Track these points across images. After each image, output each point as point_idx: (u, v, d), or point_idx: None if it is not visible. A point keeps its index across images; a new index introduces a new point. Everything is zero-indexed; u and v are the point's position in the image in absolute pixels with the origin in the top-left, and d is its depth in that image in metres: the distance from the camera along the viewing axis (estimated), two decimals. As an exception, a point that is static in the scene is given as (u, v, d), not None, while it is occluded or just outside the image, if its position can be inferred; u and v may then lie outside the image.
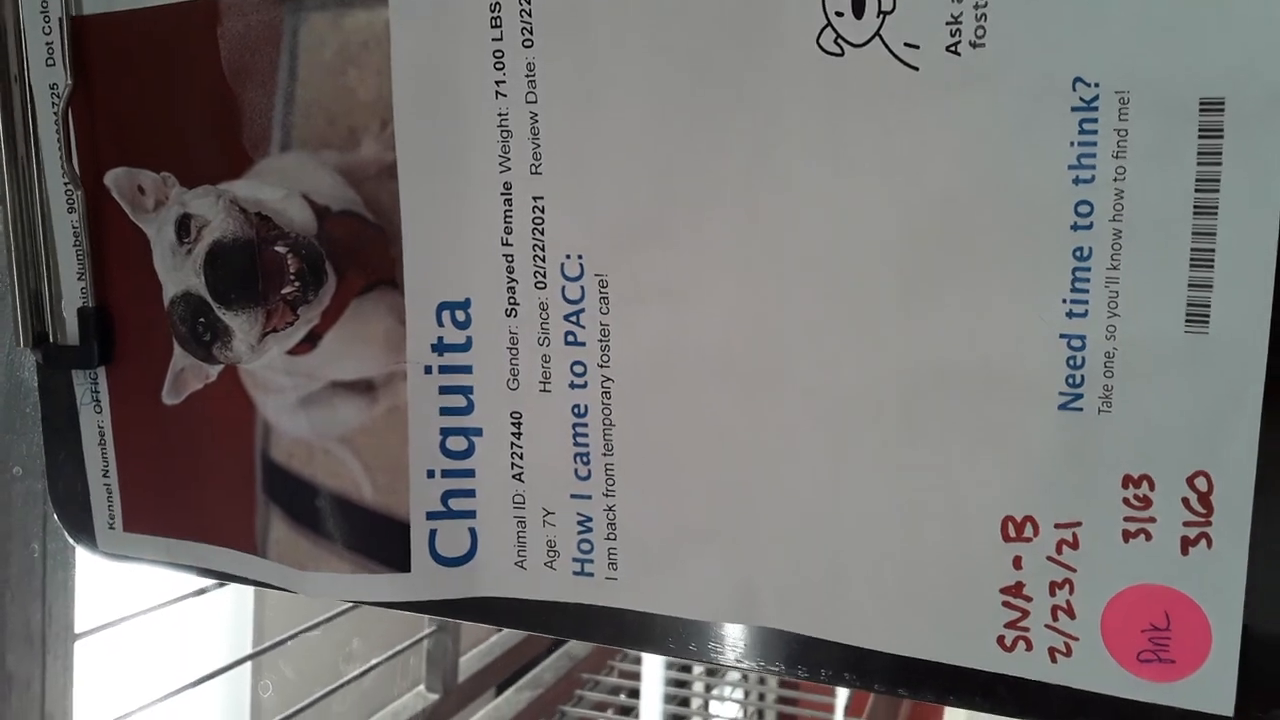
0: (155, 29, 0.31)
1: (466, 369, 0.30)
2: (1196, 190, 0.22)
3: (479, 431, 0.30)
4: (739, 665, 0.29)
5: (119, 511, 0.35)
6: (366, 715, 0.73)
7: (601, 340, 0.28)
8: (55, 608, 0.43)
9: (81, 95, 0.32)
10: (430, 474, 0.30)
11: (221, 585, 0.47)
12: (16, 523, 0.40)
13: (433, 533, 0.31)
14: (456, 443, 0.30)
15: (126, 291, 0.34)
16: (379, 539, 0.31)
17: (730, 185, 0.26)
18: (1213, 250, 0.22)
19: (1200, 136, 0.22)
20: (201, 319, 0.32)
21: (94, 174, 0.33)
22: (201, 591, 0.52)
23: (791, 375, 0.27)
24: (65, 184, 0.33)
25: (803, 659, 0.28)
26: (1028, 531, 0.25)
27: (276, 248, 0.30)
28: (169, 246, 0.32)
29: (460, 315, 0.30)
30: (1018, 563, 0.25)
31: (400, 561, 0.31)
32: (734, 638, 0.29)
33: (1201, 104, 0.22)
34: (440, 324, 0.30)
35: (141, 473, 0.35)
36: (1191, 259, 0.22)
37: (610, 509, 0.29)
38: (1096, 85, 0.22)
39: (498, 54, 0.28)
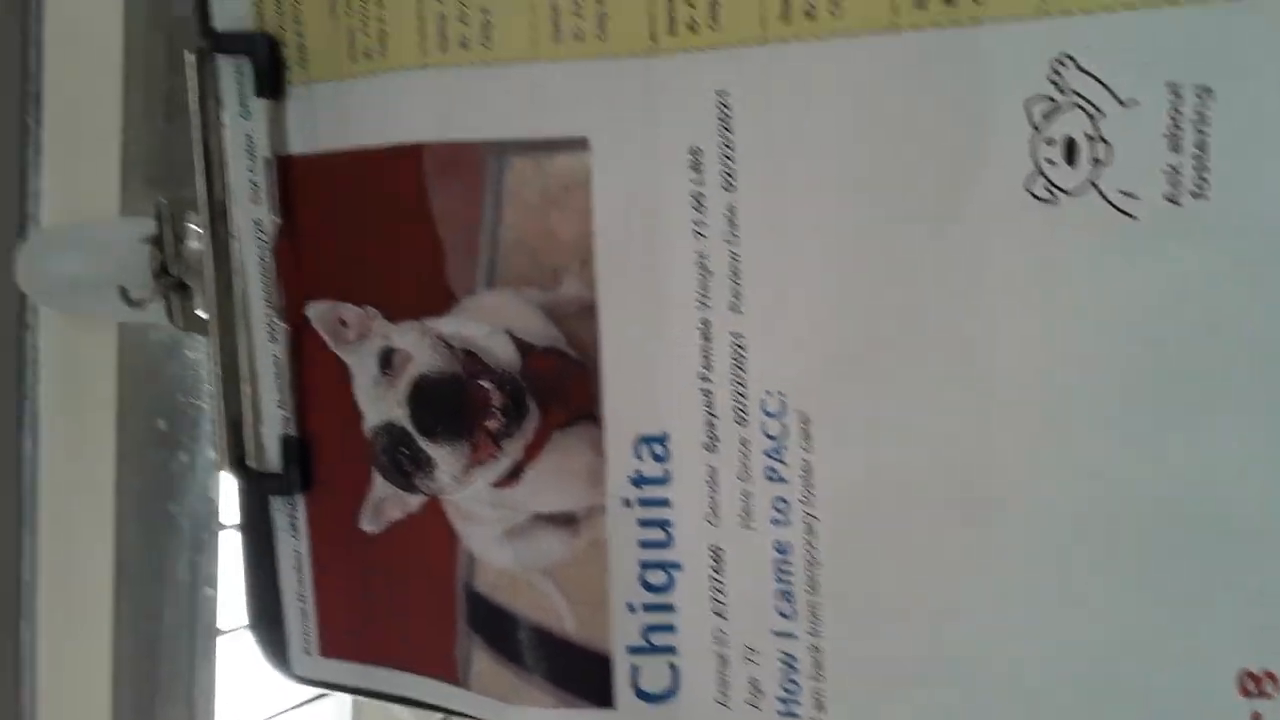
0: (360, 169, 0.35)
1: (665, 502, 0.33)
2: None
3: (678, 565, 0.33)
4: (954, 813, 0.32)
5: (315, 636, 0.40)
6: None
7: (804, 476, 0.31)
8: None
9: (286, 230, 0.37)
10: (631, 608, 0.34)
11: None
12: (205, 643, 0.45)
13: (635, 668, 0.34)
14: (656, 576, 0.34)
15: (327, 420, 0.38)
16: (582, 674, 0.34)
17: (938, 324, 0.29)
18: None
19: None
20: (404, 450, 0.36)
21: (296, 306, 0.38)
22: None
23: (1007, 511, 0.29)
24: (269, 316, 0.38)
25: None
26: (1268, 686, 0.27)
27: (481, 382, 0.34)
28: (371, 378, 0.36)
29: (658, 449, 0.33)
30: (1256, 719, 0.27)
31: (603, 697, 0.34)
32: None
33: None
34: (639, 458, 0.33)
35: (339, 598, 0.39)
36: None
37: (816, 648, 0.32)
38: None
39: (697, 196, 0.31)
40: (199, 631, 0.46)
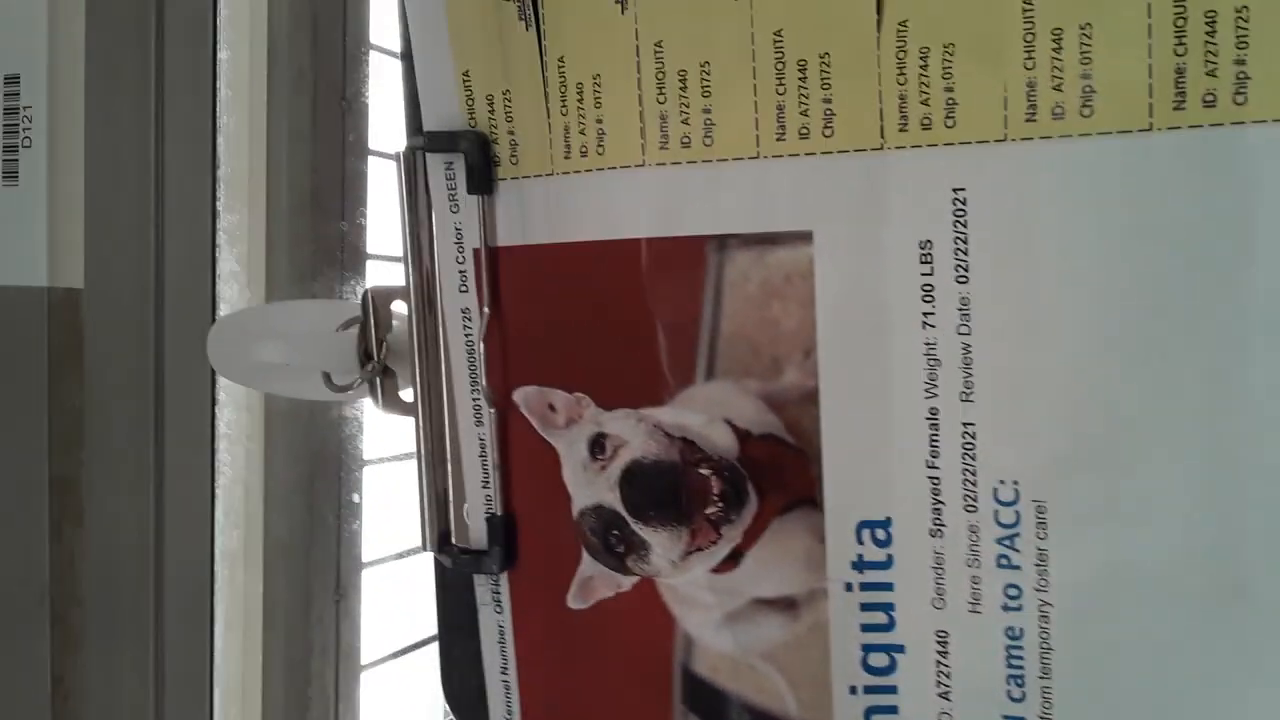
0: (574, 262, 0.36)
1: (888, 586, 0.33)
2: None
3: (901, 648, 0.33)
4: None
5: (517, 710, 0.40)
6: None
7: (1039, 565, 0.31)
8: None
9: (493, 318, 0.38)
10: (853, 690, 0.34)
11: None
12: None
13: (856, 749, 0.34)
14: (878, 659, 0.33)
15: (531, 499, 0.38)
16: (805, 756, 0.34)
17: (1186, 411, 0.29)
18: None
19: None
20: (615, 532, 0.36)
21: (502, 390, 0.38)
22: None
23: (1254, 599, 0.29)
24: (474, 399, 0.38)
25: None
26: None
27: (700, 470, 0.34)
28: (580, 461, 0.37)
29: (881, 534, 0.33)
30: None
31: (827, 779, 0.34)
32: None
33: None
34: (860, 542, 0.33)
35: (542, 672, 0.39)
36: None
37: (1046, 731, 0.32)
38: None
39: (927, 288, 0.31)
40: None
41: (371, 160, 0.56)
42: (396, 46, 0.38)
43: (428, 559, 0.41)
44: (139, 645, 0.50)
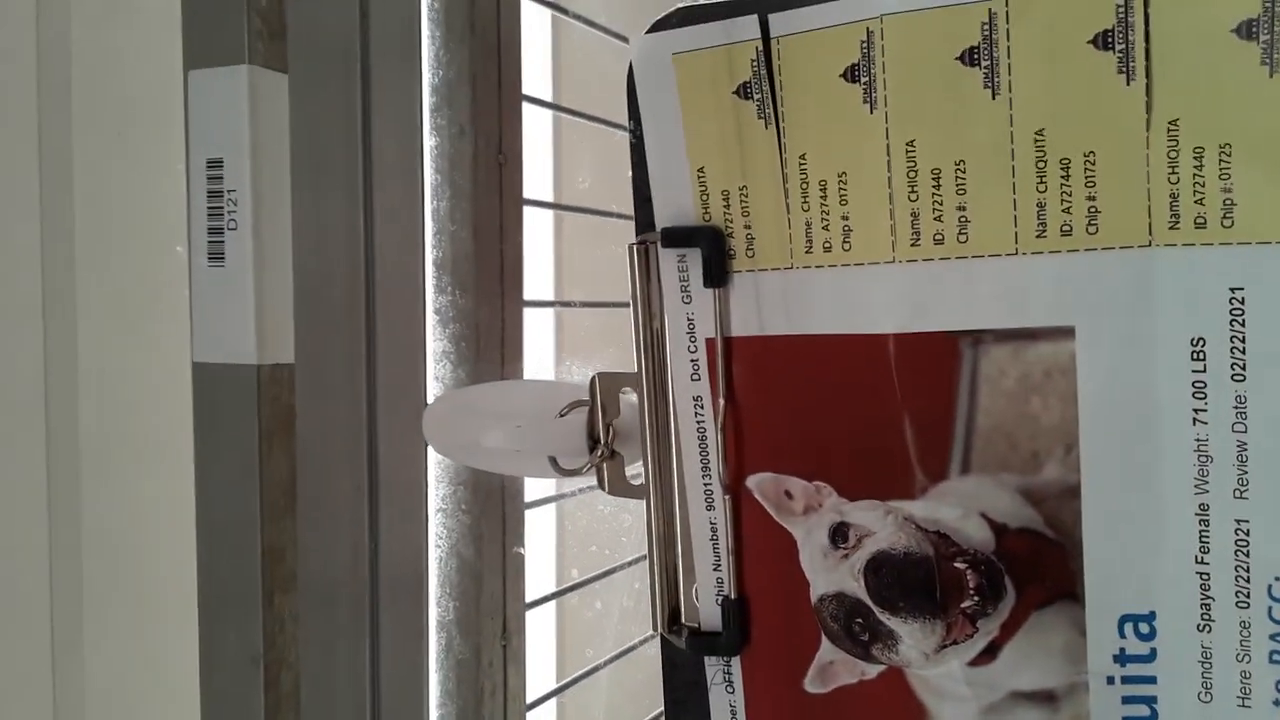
0: (815, 354, 0.35)
1: (1151, 679, 0.32)
2: None
3: None
4: None
5: (750, 786, 0.39)
6: None
7: (1323, 662, 0.29)
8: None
9: (727, 405, 0.37)
10: (1117, 786, 0.32)
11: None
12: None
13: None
14: None
15: (764, 583, 0.37)
16: None
17: None
18: None
19: None
20: (859, 620, 0.35)
21: (735, 476, 0.37)
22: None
23: None
24: (705, 484, 0.38)
25: None
26: None
27: (955, 564, 0.33)
28: (820, 549, 0.36)
29: (1144, 628, 0.31)
30: None
31: None
32: None
33: None
34: (1122, 635, 0.32)
35: (778, 753, 0.38)
36: None
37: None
38: None
39: (1198, 384, 0.30)
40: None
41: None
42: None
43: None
44: (353, 712, 0.50)
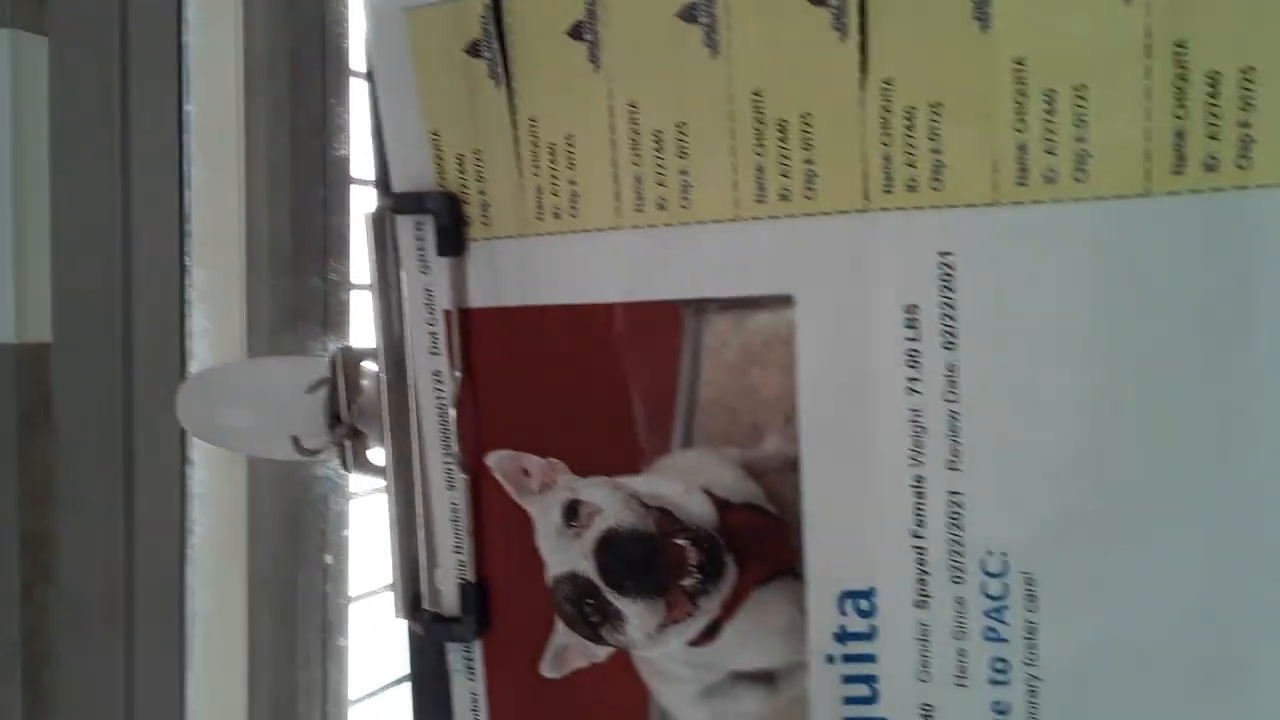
0: (547, 325, 0.31)
1: (871, 658, 0.29)
2: None
3: None
4: None
5: (491, 778, 0.35)
6: None
7: (1028, 638, 0.27)
8: None
9: (465, 380, 0.33)
10: (836, 765, 0.29)
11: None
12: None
13: (843, 827, 0.29)
14: None
15: (504, 565, 0.34)
16: (787, 835, 0.30)
17: (1184, 484, 0.25)
18: None
19: None
20: (590, 601, 0.31)
21: (475, 454, 0.34)
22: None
23: (1254, 673, 0.25)
24: (446, 464, 0.34)
25: None
26: None
27: (677, 540, 0.30)
28: (554, 528, 0.32)
29: (864, 605, 0.29)
30: None
31: None
32: None
33: None
34: (843, 613, 0.29)
35: (516, 741, 0.35)
36: None
37: (1038, 810, 0.28)
38: None
39: (912, 353, 0.27)
40: None
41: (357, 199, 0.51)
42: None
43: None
44: (111, 706, 0.45)
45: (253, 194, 0.46)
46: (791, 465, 0.29)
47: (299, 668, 0.51)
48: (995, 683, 0.28)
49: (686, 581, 0.30)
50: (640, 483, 0.30)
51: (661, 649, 0.31)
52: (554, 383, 0.32)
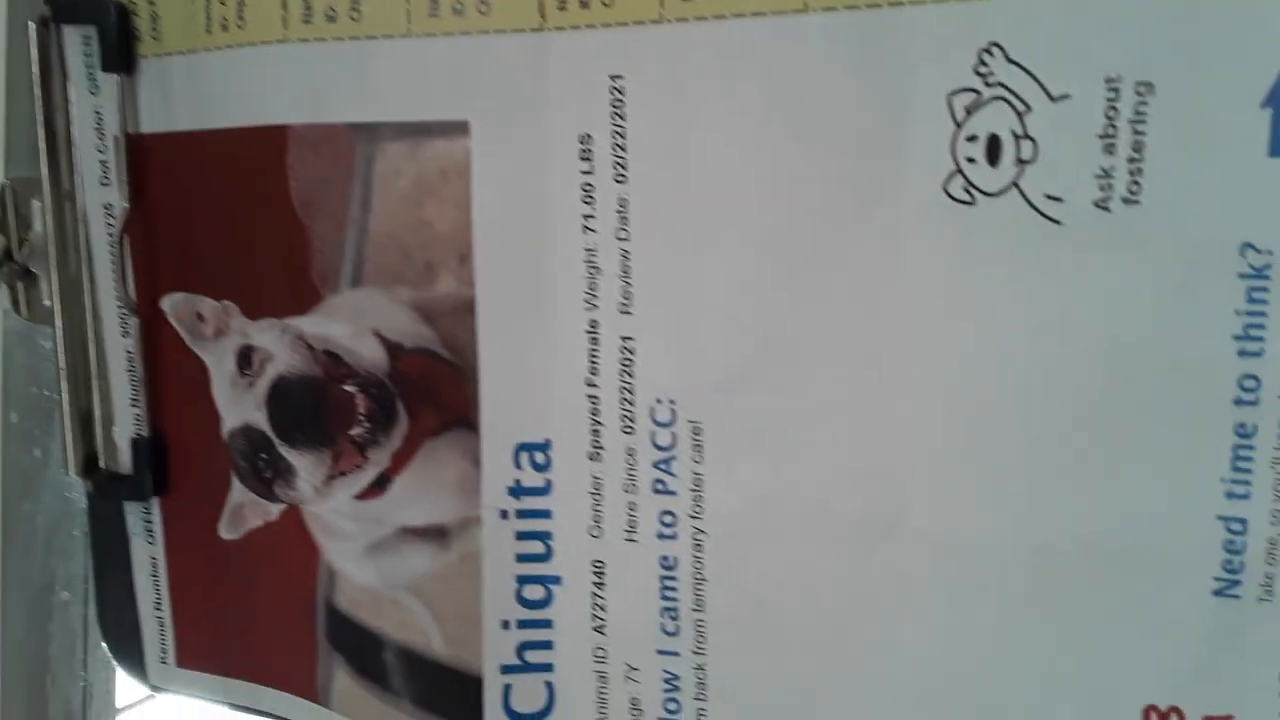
0: (219, 151, 0.28)
1: (545, 514, 0.27)
2: None
3: (558, 580, 0.28)
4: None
5: (171, 645, 0.33)
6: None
7: (694, 490, 0.26)
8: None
9: (138, 216, 0.30)
10: (505, 624, 0.28)
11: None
12: (62, 650, 0.37)
13: (507, 688, 0.28)
14: (534, 591, 0.28)
15: (183, 420, 0.31)
16: (450, 695, 0.28)
17: (844, 333, 0.24)
18: None
19: None
20: (263, 455, 0.29)
21: (150, 298, 0.31)
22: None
23: (908, 530, 0.24)
24: (120, 308, 0.31)
25: None
26: None
27: (345, 387, 0.28)
28: (229, 377, 0.30)
29: (540, 458, 0.27)
30: (1165, 756, 0.22)
31: (472, 719, 0.28)
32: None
33: None
34: (518, 466, 0.27)
35: (196, 607, 0.32)
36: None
37: (700, 668, 0.26)
38: (1269, 253, 0.20)
39: (587, 187, 0.25)
40: (54, 636, 0.38)
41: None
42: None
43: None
44: None
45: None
46: (466, 308, 0.26)
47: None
48: (663, 537, 0.26)
49: (355, 431, 0.28)
50: (307, 324, 0.28)
51: (329, 504, 0.28)
52: (226, 216, 0.29)
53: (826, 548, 0.25)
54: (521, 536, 0.28)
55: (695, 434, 0.25)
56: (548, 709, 0.28)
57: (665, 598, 0.26)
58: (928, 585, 0.24)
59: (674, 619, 0.26)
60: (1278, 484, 0.20)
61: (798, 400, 0.24)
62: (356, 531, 0.28)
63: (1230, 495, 0.21)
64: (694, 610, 0.26)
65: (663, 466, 0.26)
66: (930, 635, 0.24)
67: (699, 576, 0.26)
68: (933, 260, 0.22)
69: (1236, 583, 0.21)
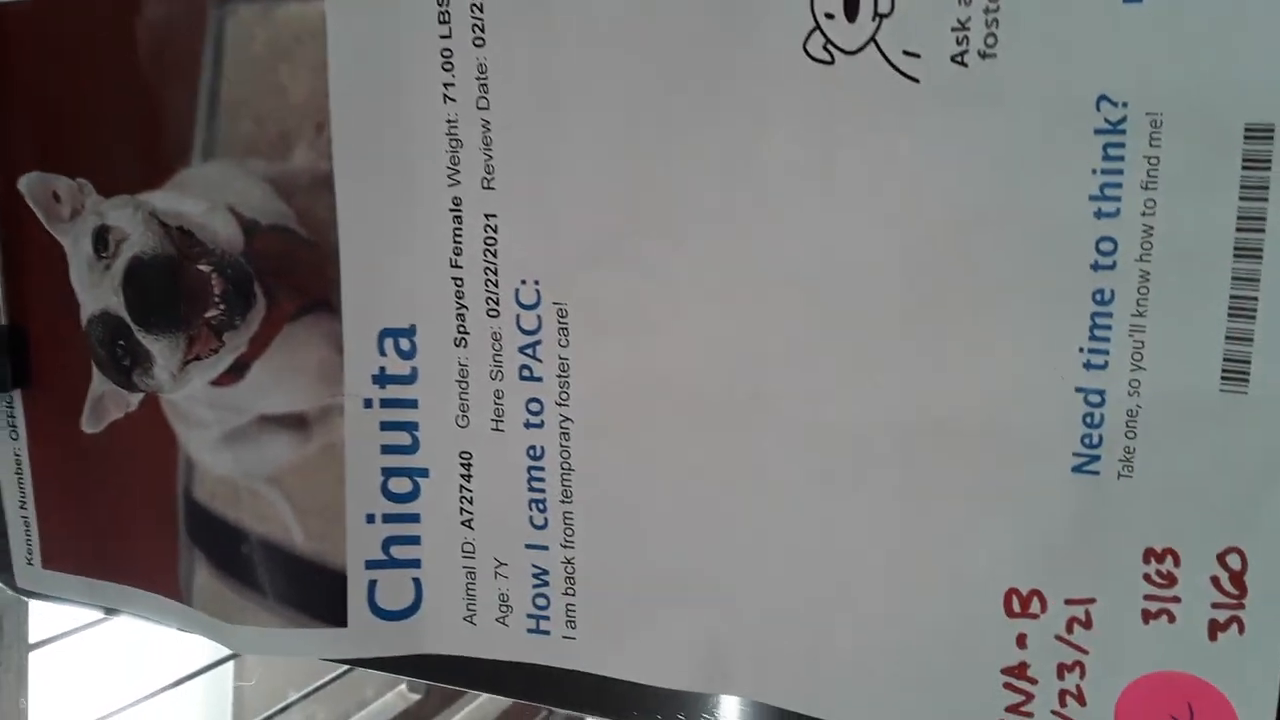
0: (70, 17, 0.27)
1: (411, 403, 0.27)
2: (1238, 229, 0.19)
3: (425, 472, 0.27)
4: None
5: (37, 547, 0.32)
6: (348, 715, 0.70)
7: (560, 376, 0.25)
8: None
9: (-9, 91, 0.29)
10: (370, 518, 0.27)
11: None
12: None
13: (372, 583, 0.27)
14: (399, 484, 0.27)
15: (44, 308, 0.30)
16: (312, 590, 0.27)
17: (707, 203, 0.23)
18: (1255, 298, 0.19)
19: (1244, 167, 0.19)
20: (121, 342, 0.28)
21: (8, 178, 0.29)
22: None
23: (773, 415, 0.23)
24: (-26, 188, 0.30)
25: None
26: (1034, 607, 0.22)
27: (199, 267, 0.26)
28: (86, 260, 0.28)
29: (405, 344, 0.26)
30: (1022, 641, 0.22)
31: (336, 615, 0.27)
32: (706, 708, 0.26)
33: (1247, 131, 0.19)
34: (382, 353, 0.26)
35: (61, 506, 0.31)
36: (1230, 307, 0.19)
37: (569, 561, 0.26)
38: (1125, 106, 0.19)
39: (446, 52, 0.24)
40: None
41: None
42: None
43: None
44: None
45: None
46: (324, 183, 0.25)
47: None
48: (530, 426, 0.26)
49: (210, 314, 0.27)
50: (160, 199, 0.27)
51: (186, 390, 0.27)
52: (78, 86, 0.28)
53: (692, 437, 0.24)
54: (386, 427, 0.27)
55: (561, 317, 0.25)
56: (414, 606, 0.27)
57: (533, 489, 0.26)
58: (791, 469, 0.23)
59: (542, 511, 0.26)
60: (1136, 353, 0.20)
61: (660, 280, 0.24)
62: (213, 419, 0.27)
63: (1089, 366, 0.20)
64: (562, 502, 0.26)
65: (528, 352, 0.25)
66: (796, 525, 0.24)
67: (566, 467, 0.25)
68: (794, 125, 0.21)
69: (1095, 458, 0.21)
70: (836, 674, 0.24)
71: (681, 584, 0.25)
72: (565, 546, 0.26)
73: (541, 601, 0.26)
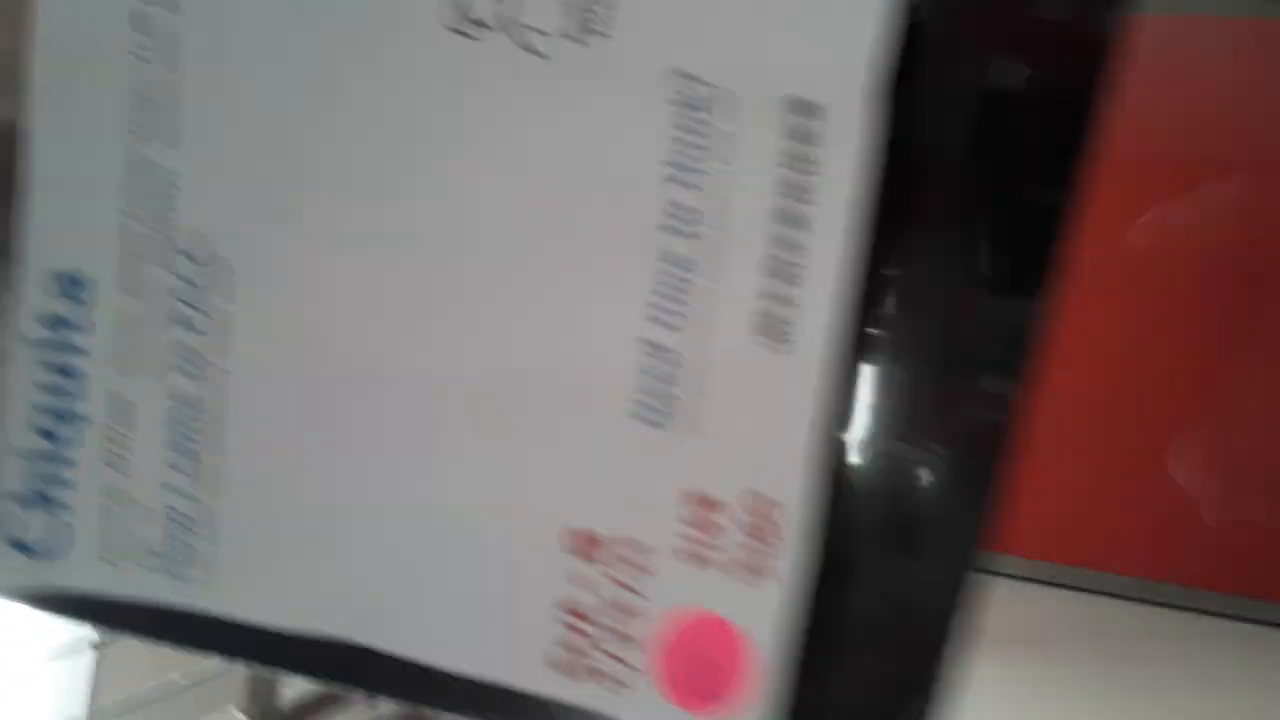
0: None
1: (75, 348, 0.27)
2: (785, 197, 0.22)
3: (80, 414, 0.27)
4: (334, 684, 0.27)
5: None
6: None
7: (221, 328, 0.26)
8: None
9: None
10: (20, 454, 0.27)
11: None
12: None
13: (22, 524, 0.28)
14: (53, 423, 0.28)
15: None
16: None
17: (358, 167, 0.25)
18: (798, 264, 0.22)
19: (792, 141, 0.22)
20: None
21: None
22: None
23: (397, 369, 0.25)
24: None
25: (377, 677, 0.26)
26: (586, 544, 0.24)
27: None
28: None
29: (73, 289, 0.27)
30: (575, 576, 0.24)
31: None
32: (328, 652, 0.27)
33: (794, 106, 0.22)
34: (52, 296, 0.27)
35: None
36: (775, 271, 0.22)
37: (212, 510, 0.27)
38: (701, 81, 0.22)
39: (140, 15, 0.26)
40: None
41: None
42: None
43: None
44: None
45: None
46: (13, 129, 0.27)
47: None
48: (188, 375, 0.27)
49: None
50: None
51: None
52: None
53: (332, 391, 0.26)
54: (47, 368, 0.27)
55: (227, 271, 0.26)
56: (58, 545, 0.28)
57: (187, 438, 0.27)
58: (404, 425, 0.25)
59: (191, 459, 0.27)
60: (692, 309, 0.22)
61: (318, 240, 0.25)
62: None
63: (652, 320, 0.23)
64: (212, 452, 0.27)
65: (193, 303, 0.26)
66: (402, 473, 0.25)
67: (219, 418, 0.27)
68: (438, 93, 0.24)
69: (650, 407, 0.23)
70: (421, 614, 0.25)
71: (311, 532, 0.26)
72: (211, 495, 0.27)
73: (185, 549, 0.27)
